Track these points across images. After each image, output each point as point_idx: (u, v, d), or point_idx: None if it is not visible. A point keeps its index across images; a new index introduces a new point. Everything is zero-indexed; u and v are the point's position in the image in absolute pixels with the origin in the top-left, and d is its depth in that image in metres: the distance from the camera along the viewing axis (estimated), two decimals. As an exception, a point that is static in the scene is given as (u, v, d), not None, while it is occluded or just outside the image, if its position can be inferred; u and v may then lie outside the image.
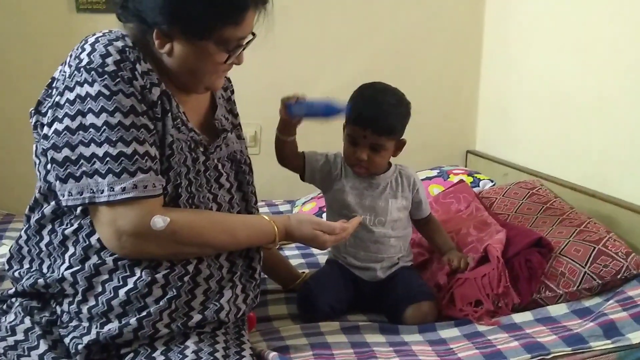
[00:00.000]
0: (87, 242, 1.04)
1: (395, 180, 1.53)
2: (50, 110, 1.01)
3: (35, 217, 1.10)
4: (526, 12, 2.25)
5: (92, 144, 0.97)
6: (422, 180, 1.78)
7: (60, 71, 1.04)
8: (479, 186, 2.16)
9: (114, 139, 0.97)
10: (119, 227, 0.98)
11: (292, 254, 1.83)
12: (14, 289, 1.12)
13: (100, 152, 0.97)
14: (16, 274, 1.12)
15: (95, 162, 0.97)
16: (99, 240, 1.03)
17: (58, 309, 1.07)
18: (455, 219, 1.76)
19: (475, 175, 2.24)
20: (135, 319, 1.03)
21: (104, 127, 0.97)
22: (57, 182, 1.00)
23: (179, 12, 1.00)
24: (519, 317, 1.40)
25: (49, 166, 1.03)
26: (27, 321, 1.05)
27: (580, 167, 1.98)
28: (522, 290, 1.45)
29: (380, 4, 2.46)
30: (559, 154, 2.09)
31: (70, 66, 1.01)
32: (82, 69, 0.98)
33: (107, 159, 0.97)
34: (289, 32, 2.28)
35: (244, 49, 1.10)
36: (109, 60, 0.99)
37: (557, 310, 1.43)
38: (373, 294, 1.49)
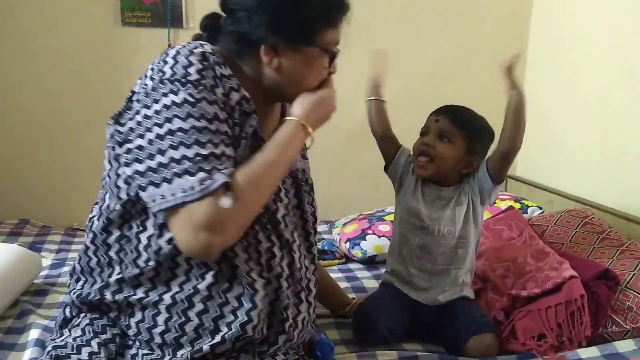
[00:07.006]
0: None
1: (463, 191, 1.46)
2: (131, 122, 1.00)
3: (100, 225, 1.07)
4: (574, 33, 2.21)
5: (182, 147, 0.94)
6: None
7: (140, 84, 1.02)
8: (527, 213, 2.09)
9: (203, 141, 0.95)
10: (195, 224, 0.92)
11: (336, 276, 1.78)
12: (78, 301, 1.10)
13: (190, 153, 0.94)
14: (86, 286, 1.10)
15: (185, 162, 0.94)
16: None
17: (127, 327, 1.05)
18: (508, 247, 1.70)
19: (523, 201, 2.18)
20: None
21: (193, 129, 0.95)
22: (150, 187, 0.96)
23: (285, 22, 1.04)
24: (585, 353, 1.33)
25: (129, 177, 1.00)
26: (94, 344, 1.02)
27: (635, 197, 1.91)
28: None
29: (421, 26, 2.45)
30: (611, 182, 2.03)
31: (153, 79, 0.99)
32: (166, 81, 0.98)
33: (198, 158, 0.94)
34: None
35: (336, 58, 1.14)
36: (192, 69, 0.98)
37: (625, 346, 1.36)
38: (430, 321, 1.42)
